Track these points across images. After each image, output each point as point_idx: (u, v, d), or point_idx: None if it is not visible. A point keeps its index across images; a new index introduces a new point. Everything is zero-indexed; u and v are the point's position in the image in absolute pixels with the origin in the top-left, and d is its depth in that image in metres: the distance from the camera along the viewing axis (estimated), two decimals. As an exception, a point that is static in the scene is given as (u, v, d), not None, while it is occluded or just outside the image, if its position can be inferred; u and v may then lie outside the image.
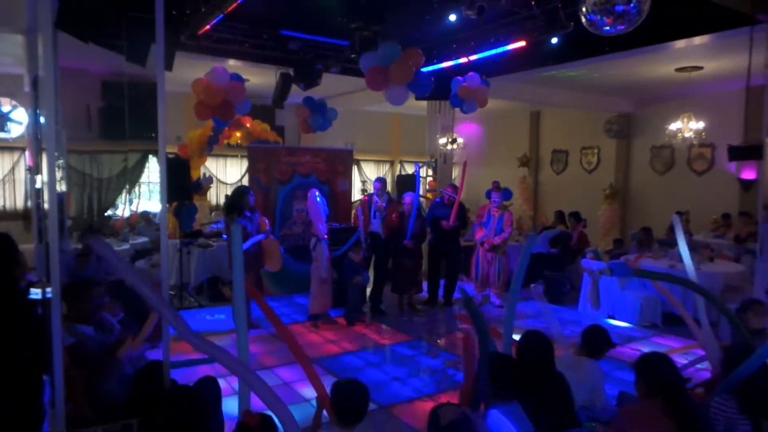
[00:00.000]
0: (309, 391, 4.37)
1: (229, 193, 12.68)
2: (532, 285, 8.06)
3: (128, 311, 4.98)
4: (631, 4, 3.40)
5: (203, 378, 3.12)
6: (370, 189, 13.95)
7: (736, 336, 3.86)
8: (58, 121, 6.12)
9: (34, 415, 2.74)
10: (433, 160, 10.95)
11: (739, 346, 3.43)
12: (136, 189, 11.02)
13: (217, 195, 12.55)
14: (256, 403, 2.32)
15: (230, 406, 3.61)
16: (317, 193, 6.10)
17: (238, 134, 9.68)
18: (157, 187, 11.85)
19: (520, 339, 2.95)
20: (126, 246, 8.16)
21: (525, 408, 2.48)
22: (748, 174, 10.03)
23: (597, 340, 3.35)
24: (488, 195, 7.24)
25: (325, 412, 2.55)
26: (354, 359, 5.18)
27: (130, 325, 4.74)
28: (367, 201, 6.71)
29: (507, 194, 7.26)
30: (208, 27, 6.18)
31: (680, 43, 6.67)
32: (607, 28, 3.65)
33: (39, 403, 2.81)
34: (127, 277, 2.19)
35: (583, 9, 3.70)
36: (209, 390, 3.09)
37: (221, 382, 3.31)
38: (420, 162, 14.78)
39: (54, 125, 2.94)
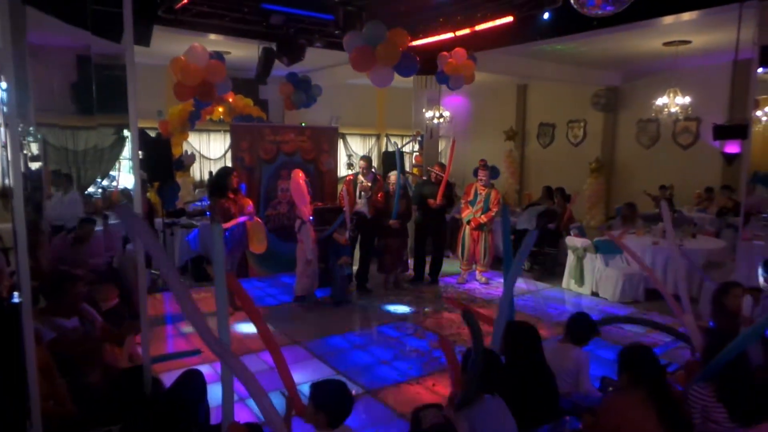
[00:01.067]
0: (296, 376, 4.37)
1: (212, 168, 12.53)
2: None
3: (122, 295, 4.97)
4: (621, -13, 3.33)
5: (187, 372, 3.09)
6: (357, 163, 13.87)
7: (716, 319, 3.92)
8: (30, 97, 5.95)
9: (20, 416, 2.71)
10: (418, 135, 10.85)
11: (718, 333, 3.49)
12: (116, 165, 10.83)
13: (200, 170, 12.39)
14: (239, 389, 2.31)
15: (217, 392, 3.62)
16: (301, 174, 6.02)
17: (220, 109, 9.47)
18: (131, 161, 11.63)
19: (505, 332, 2.94)
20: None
21: (510, 403, 2.49)
22: (732, 148, 10.09)
23: (582, 329, 3.36)
24: (475, 173, 7.21)
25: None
26: (340, 341, 5.20)
27: (122, 311, 4.73)
28: (352, 180, 6.64)
29: (494, 172, 7.22)
30: (185, 0, 5.96)
31: (669, 19, 6.60)
32: (596, 10, 3.57)
33: (24, 404, 2.77)
34: (153, 251, 2.09)
35: (572, -10, 3.61)
36: (193, 384, 3.07)
37: (209, 369, 3.30)
38: (405, 136, 14.67)
39: (15, 101, 2.74)
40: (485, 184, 7.08)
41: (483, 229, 7.14)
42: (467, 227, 7.22)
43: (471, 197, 7.18)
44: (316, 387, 2.41)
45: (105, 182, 10.35)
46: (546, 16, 5.83)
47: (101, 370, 3.37)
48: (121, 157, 11.39)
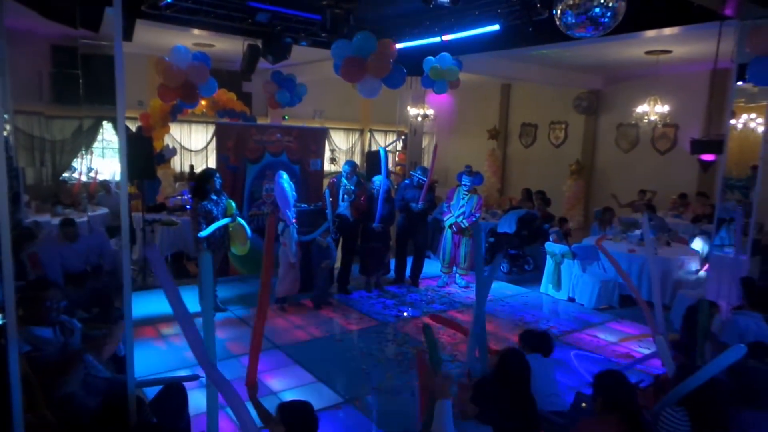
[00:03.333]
0: (276, 383, 4.42)
1: (193, 161, 12.40)
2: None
3: (93, 298, 4.93)
4: (607, 15, 3.39)
5: (168, 387, 3.11)
6: (339, 159, 13.84)
7: (688, 337, 4.05)
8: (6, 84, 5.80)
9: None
10: (402, 136, 10.89)
11: (689, 351, 3.61)
12: (90, 154, 10.69)
13: (181, 163, 12.25)
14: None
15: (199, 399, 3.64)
16: (285, 177, 6.01)
17: (203, 103, 9.37)
18: (113, 151, 11.43)
19: (499, 358, 3.04)
20: (85, 218, 7.93)
21: (494, 425, 2.58)
22: (708, 156, 10.31)
23: (546, 345, 3.52)
24: (459, 178, 7.26)
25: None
26: (321, 346, 5.24)
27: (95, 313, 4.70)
28: (336, 183, 6.65)
29: (478, 179, 7.27)
30: (170, -1, 5.87)
31: (651, 33, 6.71)
32: (581, 32, 3.63)
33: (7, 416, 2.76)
34: (166, 287, 2.11)
35: (558, 12, 3.66)
36: (174, 397, 3.09)
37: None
38: (389, 131, 14.68)
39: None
40: (468, 190, 7.14)
41: (464, 234, 7.21)
42: (448, 231, 7.29)
43: (453, 201, 7.24)
44: (283, 408, 2.46)
45: (78, 173, 10.22)
46: (531, 29, 5.87)
47: (81, 382, 3.36)
48: (103, 148, 11.27)
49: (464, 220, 7.09)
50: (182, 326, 2.12)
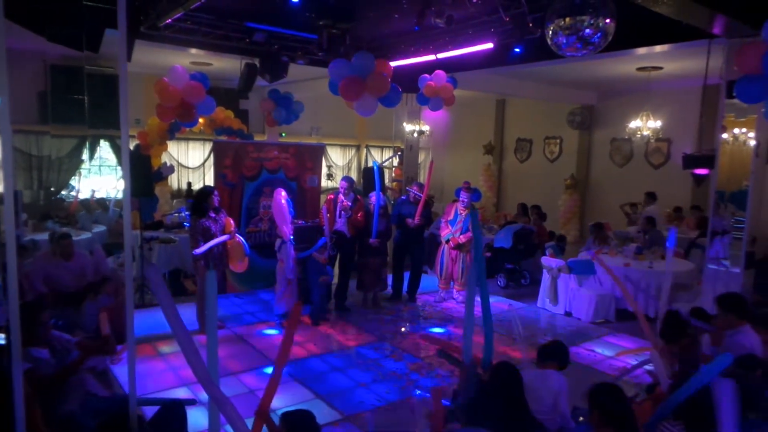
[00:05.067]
0: (275, 400, 4.40)
1: (191, 178, 12.44)
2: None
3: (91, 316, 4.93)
4: (597, 35, 3.48)
5: (168, 406, 3.13)
6: (336, 175, 13.91)
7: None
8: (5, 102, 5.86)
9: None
10: (398, 152, 10.97)
11: (683, 364, 3.64)
12: (86, 173, 10.75)
13: (179, 180, 12.29)
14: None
15: (197, 418, 3.66)
16: (283, 194, 6.06)
17: (201, 121, 9.44)
18: (109, 168, 11.44)
19: (491, 371, 3.06)
20: (86, 235, 7.95)
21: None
22: (700, 170, 10.42)
23: (565, 354, 3.53)
24: (457, 193, 7.29)
25: None
26: (319, 363, 5.25)
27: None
28: (333, 200, 6.70)
29: (476, 195, 7.31)
30: (169, 20, 5.97)
31: (642, 50, 6.84)
32: (572, 52, 3.72)
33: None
34: (165, 306, 2.14)
35: (550, 32, 3.75)
36: (174, 416, 3.11)
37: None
38: (386, 147, 14.76)
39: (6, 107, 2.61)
40: (466, 206, 7.17)
41: (461, 250, 7.24)
42: (446, 246, 7.33)
43: (451, 217, 7.27)
44: (285, 418, 2.48)
45: (75, 192, 10.26)
46: (522, 48, 5.99)
47: (80, 402, 3.37)
48: (100, 166, 11.32)
49: (461, 236, 7.11)
50: (181, 345, 2.14)
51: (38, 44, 6.17)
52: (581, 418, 3.54)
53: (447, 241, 7.27)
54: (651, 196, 10.13)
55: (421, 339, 5.40)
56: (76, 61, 8.25)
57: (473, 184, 7.65)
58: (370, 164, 14.54)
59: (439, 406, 2.78)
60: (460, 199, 7.21)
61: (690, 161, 6.52)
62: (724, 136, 9.37)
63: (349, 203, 6.63)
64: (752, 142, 6.38)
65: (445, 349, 3.70)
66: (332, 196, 6.74)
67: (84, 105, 8.42)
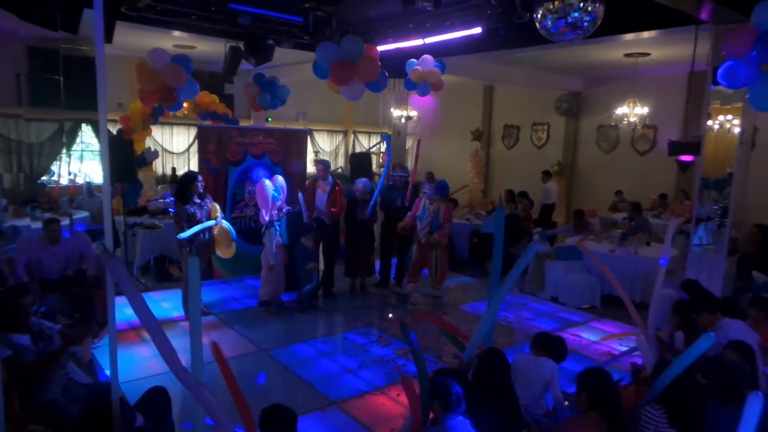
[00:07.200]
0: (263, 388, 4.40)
1: (175, 163, 12.29)
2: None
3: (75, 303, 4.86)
4: (586, 19, 3.45)
5: (152, 390, 3.09)
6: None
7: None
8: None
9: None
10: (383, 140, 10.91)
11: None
12: (70, 157, 10.58)
13: (163, 165, 12.13)
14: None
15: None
16: (280, 179, 6.03)
17: (185, 105, 9.29)
18: (92, 154, 11.31)
19: (481, 357, 3.07)
20: (67, 221, 7.82)
21: (476, 422, 2.61)
22: (686, 156, 10.49)
23: (559, 350, 3.54)
24: (423, 186, 7.04)
25: None
26: (306, 348, 5.23)
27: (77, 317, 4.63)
28: (312, 186, 6.62)
29: (440, 188, 6.58)
30: (150, 1, 5.82)
31: (630, 36, 6.82)
32: (561, 37, 3.69)
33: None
34: (131, 298, 2.10)
35: (538, 16, 3.72)
36: (158, 401, 3.08)
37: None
38: (373, 133, 14.69)
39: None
40: (430, 198, 6.55)
41: (433, 248, 6.66)
42: (416, 242, 6.75)
43: (419, 212, 6.63)
44: (264, 414, 2.45)
45: (57, 177, 10.08)
46: (504, 32, 5.93)
47: (62, 389, 3.32)
48: (82, 151, 11.12)
49: (435, 234, 6.48)
50: (151, 334, 2.14)
51: (16, 25, 6.00)
52: (566, 402, 3.57)
53: (415, 239, 6.73)
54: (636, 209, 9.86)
55: (434, 321, 5.25)
56: (54, 42, 8.07)
57: (461, 170, 7.59)
58: (357, 150, 14.46)
59: (414, 396, 2.77)
60: (424, 191, 6.72)
61: (676, 148, 6.56)
62: (710, 123, 9.46)
63: (327, 187, 6.51)
64: (737, 129, 6.41)
65: (455, 335, 3.70)
66: (311, 182, 6.64)
67: (60, 87, 8.25)
